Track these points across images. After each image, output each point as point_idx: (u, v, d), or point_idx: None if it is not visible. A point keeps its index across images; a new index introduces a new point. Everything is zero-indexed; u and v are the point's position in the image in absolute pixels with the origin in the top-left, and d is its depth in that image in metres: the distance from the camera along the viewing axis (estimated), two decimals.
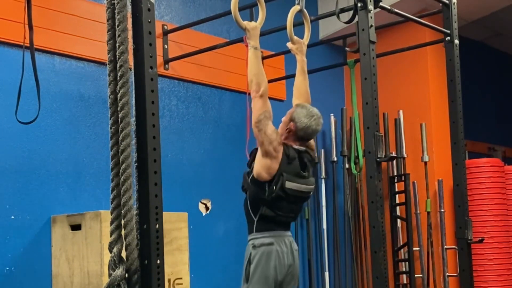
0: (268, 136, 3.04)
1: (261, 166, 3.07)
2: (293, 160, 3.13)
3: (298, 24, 3.65)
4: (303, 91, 3.43)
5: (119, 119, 1.93)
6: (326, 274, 5.34)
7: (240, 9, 3.19)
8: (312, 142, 3.39)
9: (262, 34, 3.27)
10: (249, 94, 4.22)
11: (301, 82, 3.44)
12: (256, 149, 3.14)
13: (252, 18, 3.84)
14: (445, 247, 5.33)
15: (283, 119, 3.26)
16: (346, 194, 5.45)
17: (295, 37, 3.45)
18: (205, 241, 4.43)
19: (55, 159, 3.70)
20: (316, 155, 5.39)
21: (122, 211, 1.92)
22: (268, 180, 3.08)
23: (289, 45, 3.49)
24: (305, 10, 3.47)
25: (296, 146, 3.20)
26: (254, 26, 3.18)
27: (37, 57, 2.80)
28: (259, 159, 3.08)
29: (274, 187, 3.06)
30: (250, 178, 3.15)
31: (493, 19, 6.14)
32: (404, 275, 5.28)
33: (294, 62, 3.53)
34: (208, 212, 4.51)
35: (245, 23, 3.17)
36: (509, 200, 5.62)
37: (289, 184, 3.09)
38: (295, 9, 3.40)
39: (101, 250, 3.20)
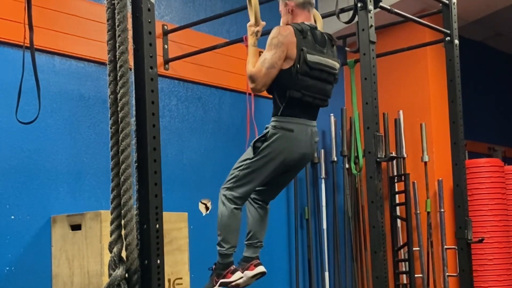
0: (270, 55, 2.99)
1: (287, 60, 3.02)
2: (307, 34, 3.06)
3: None
4: None
5: (119, 119, 1.93)
6: (326, 274, 5.34)
7: (241, 9, 3.18)
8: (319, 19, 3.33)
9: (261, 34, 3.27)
10: (249, 94, 4.23)
11: None
12: None
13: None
14: (445, 247, 5.33)
15: (281, 13, 3.18)
16: (346, 194, 5.45)
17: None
18: (205, 241, 4.42)
19: (55, 159, 3.70)
20: (316, 154, 5.41)
21: (122, 211, 1.92)
22: (292, 64, 3.02)
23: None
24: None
25: (306, 22, 3.13)
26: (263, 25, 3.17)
27: (37, 57, 2.80)
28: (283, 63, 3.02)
29: (298, 64, 2.99)
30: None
31: (493, 19, 6.14)
32: (404, 275, 5.28)
33: None
34: (208, 212, 4.51)
35: (262, 23, 3.14)
36: (509, 200, 5.62)
37: (311, 57, 3.03)
38: None
39: (101, 250, 3.20)
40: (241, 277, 3.07)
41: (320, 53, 3.09)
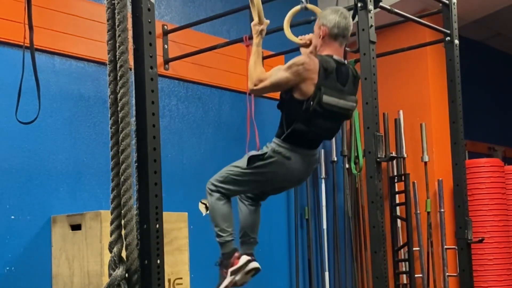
0: (281, 75, 2.90)
1: (298, 92, 2.93)
2: (331, 73, 2.94)
3: (298, 24, 3.64)
4: None
5: (119, 119, 1.93)
6: (326, 274, 5.34)
7: (241, 9, 3.18)
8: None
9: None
10: (250, 94, 4.22)
11: None
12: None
13: (252, 18, 3.84)
14: (445, 247, 5.33)
15: (313, 34, 3.08)
16: (346, 194, 5.45)
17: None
18: (205, 241, 4.42)
19: (55, 159, 3.70)
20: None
21: (122, 211, 1.92)
22: (306, 97, 2.93)
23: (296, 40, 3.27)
24: (310, 5, 3.37)
25: (336, 57, 3.01)
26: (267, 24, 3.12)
27: (37, 57, 2.80)
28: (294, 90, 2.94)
29: (312, 102, 2.89)
30: (287, 96, 2.98)
31: (493, 19, 6.14)
32: (404, 275, 5.28)
33: None
34: (208, 212, 4.50)
35: (266, 21, 3.11)
36: (509, 200, 5.62)
37: (327, 99, 2.92)
38: (295, 9, 3.34)
39: (101, 250, 3.20)
40: (249, 260, 3.03)
41: (339, 93, 2.98)
